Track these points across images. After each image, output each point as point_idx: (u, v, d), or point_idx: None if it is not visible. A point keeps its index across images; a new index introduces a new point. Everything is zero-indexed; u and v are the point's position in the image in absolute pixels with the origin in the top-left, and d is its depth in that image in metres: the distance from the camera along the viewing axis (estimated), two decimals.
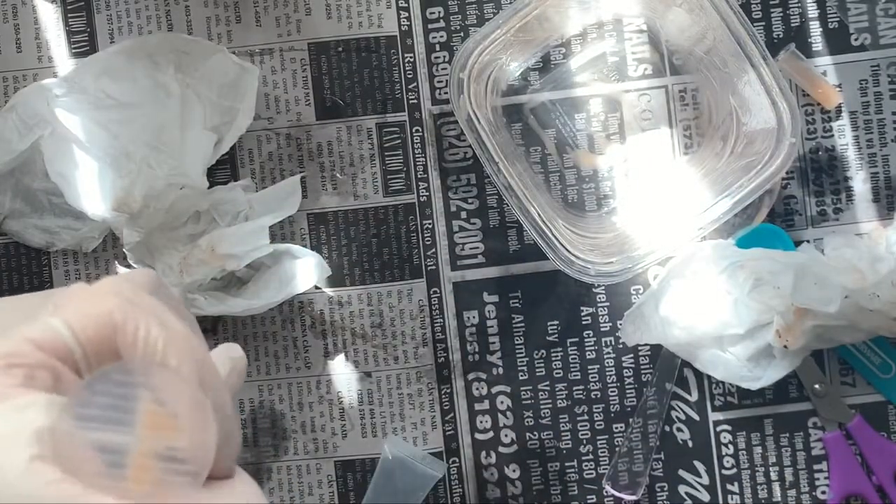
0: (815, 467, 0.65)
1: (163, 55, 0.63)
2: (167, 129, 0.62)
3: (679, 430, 0.65)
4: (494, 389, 0.65)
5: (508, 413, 0.65)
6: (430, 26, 0.66)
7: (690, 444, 0.65)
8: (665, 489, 0.65)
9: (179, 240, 0.63)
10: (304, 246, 0.64)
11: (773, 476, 0.65)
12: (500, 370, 0.65)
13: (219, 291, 0.63)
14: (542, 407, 0.65)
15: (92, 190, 0.61)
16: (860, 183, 0.65)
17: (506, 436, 0.65)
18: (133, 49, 0.63)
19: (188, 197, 0.62)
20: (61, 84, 0.62)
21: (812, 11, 0.65)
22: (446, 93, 0.65)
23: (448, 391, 0.65)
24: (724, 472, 0.65)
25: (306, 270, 0.62)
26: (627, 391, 0.65)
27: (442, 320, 0.65)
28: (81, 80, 0.62)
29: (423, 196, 0.65)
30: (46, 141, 0.61)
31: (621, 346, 0.65)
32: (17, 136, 0.62)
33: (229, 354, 0.39)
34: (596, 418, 0.65)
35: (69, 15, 0.66)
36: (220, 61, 0.63)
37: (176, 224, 0.62)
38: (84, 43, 0.66)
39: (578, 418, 0.65)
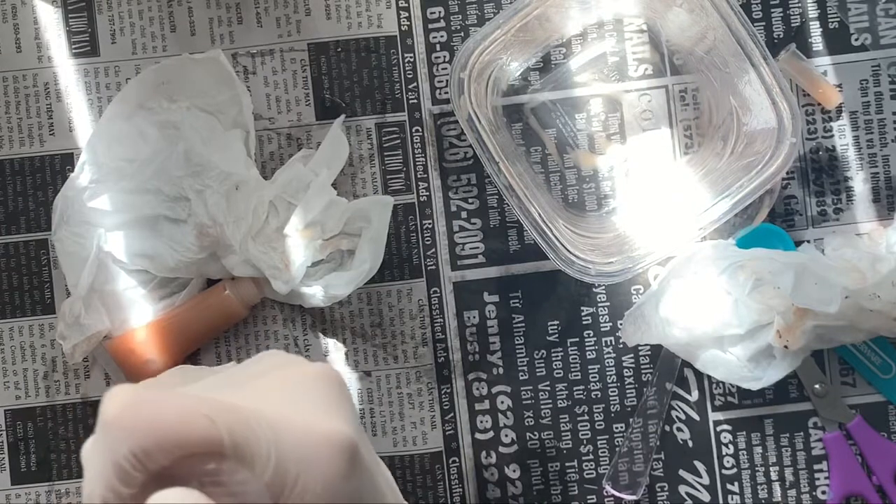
0: (815, 467, 0.65)
1: (149, 98, 0.64)
2: (193, 152, 0.62)
3: (679, 430, 0.65)
4: (495, 389, 0.65)
5: (509, 413, 0.65)
6: (430, 26, 0.66)
7: (691, 444, 0.65)
8: (665, 489, 0.65)
9: (271, 239, 0.63)
10: None
11: (774, 476, 0.65)
12: (501, 370, 0.65)
13: (336, 272, 0.63)
14: (542, 407, 0.65)
15: (171, 250, 0.63)
16: (860, 183, 0.65)
17: (506, 436, 0.65)
18: (123, 110, 0.64)
19: (249, 193, 0.62)
20: (83, 171, 0.63)
21: (812, 11, 0.65)
22: (446, 93, 0.65)
23: (448, 391, 0.65)
24: (724, 472, 0.65)
25: (381, 204, 0.63)
26: (627, 391, 0.65)
27: (442, 320, 0.65)
28: (96, 159, 0.63)
29: (423, 196, 0.66)
30: (110, 240, 0.63)
31: (621, 346, 0.65)
32: (79, 248, 0.63)
33: None
34: (596, 418, 0.65)
35: (69, 15, 0.66)
36: (197, 68, 0.64)
37: (258, 225, 0.62)
38: (84, 43, 0.66)
39: (579, 418, 0.65)
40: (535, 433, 0.65)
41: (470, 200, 0.66)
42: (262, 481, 0.36)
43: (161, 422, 0.35)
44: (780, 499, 0.65)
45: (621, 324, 0.64)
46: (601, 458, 0.65)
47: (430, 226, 0.65)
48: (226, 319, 0.64)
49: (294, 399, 0.39)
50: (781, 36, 0.65)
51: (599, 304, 0.65)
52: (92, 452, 0.36)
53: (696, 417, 0.65)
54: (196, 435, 0.35)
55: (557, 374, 0.65)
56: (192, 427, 0.35)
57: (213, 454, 0.35)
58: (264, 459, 0.36)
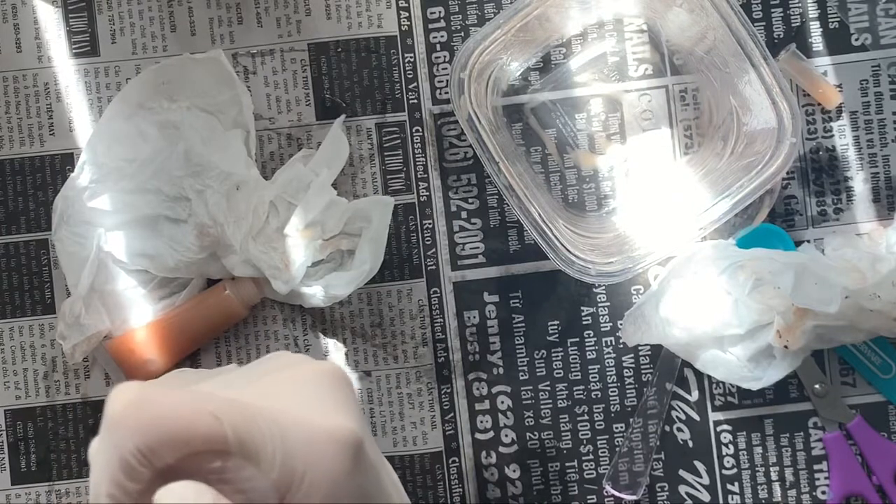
0: (815, 467, 0.65)
1: (150, 98, 0.64)
2: (193, 152, 0.62)
3: (679, 430, 0.65)
4: (495, 389, 0.65)
5: (509, 413, 0.65)
6: (430, 26, 0.66)
7: (691, 444, 0.65)
8: (665, 489, 0.65)
9: (272, 239, 0.62)
10: None
11: (774, 476, 0.65)
12: (501, 370, 0.65)
13: (336, 272, 0.63)
14: (542, 407, 0.65)
15: (171, 250, 0.63)
16: (860, 183, 0.65)
17: (506, 436, 0.65)
18: (123, 110, 0.64)
19: (249, 193, 0.62)
20: (83, 170, 0.63)
21: (812, 11, 0.65)
22: (446, 93, 0.65)
23: (448, 391, 0.65)
24: (724, 472, 0.65)
25: (381, 204, 0.63)
26: (628, 391, 0.65)
27: (442, 320, 0.65)
28: (96, 159, 0.63)
29: (423, 196, 0.66)
30: (110, 240, 0.63)
31: (622, 346, 0.65)
32: (79, 247, 0.63)
33: None
34: (596, 418, 0.65)
35: (70, 15, 0.66)
36: (197, 68, 0.64)
37: (259, 225, 0.62)
38: (85, 43, 0.66)
39: (579, 418, 0.65)
40: (535, 433, 0.65)
41: (470, 200, 0.66)
42: (268, 478, 0.36)
43: (166, 419, 0.35)
44: (780, 499, 0.65)
45: (621, 324, 0.64)
46: (601, 458, 0.65)
47: (430, 226, 0.65)
48: (226, 319, 0.64)
49: (300, 396, 0.39)
50: (781, 36, 0.65)
51: (599, 304, 0.65)
52: (98, 450, 0.36)
53: (696, 417, 0.65)
54: (201, 433, 0.35)
55: (557, 374, 0.65)
56: (197, 425, 0.35)
57: (218, 452, 0.35)
58: (270, 456, 0.36)
